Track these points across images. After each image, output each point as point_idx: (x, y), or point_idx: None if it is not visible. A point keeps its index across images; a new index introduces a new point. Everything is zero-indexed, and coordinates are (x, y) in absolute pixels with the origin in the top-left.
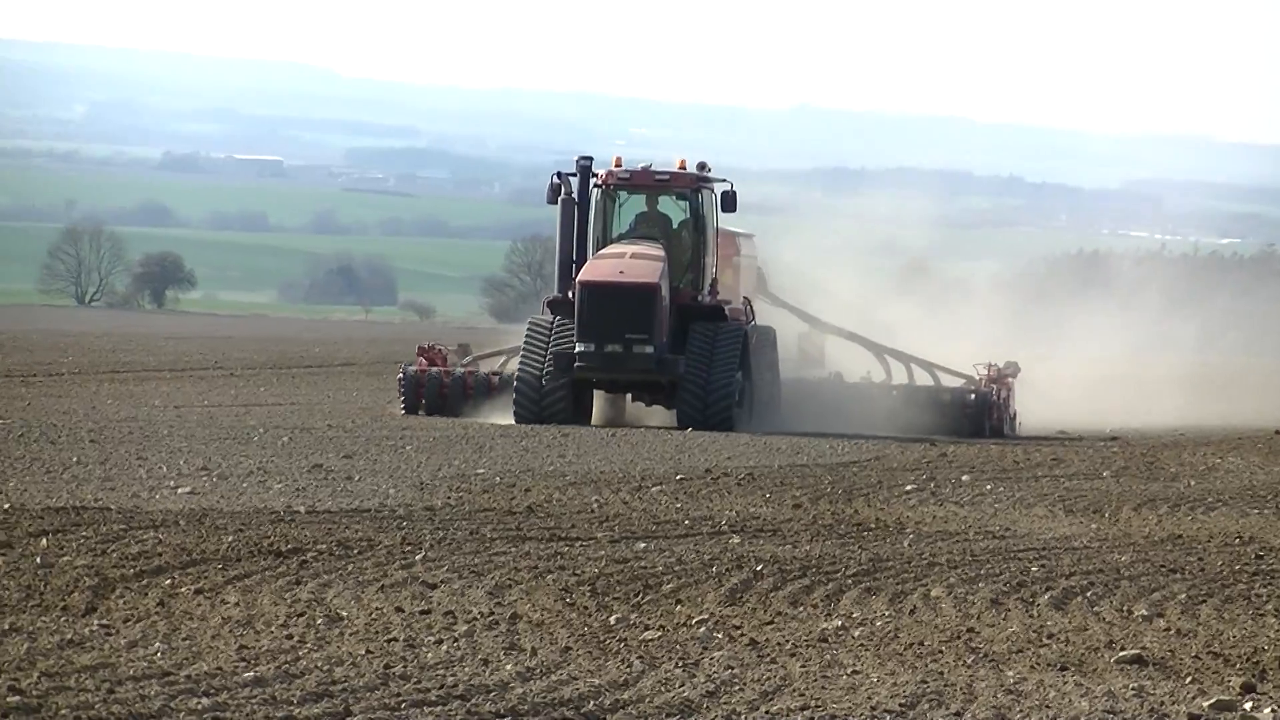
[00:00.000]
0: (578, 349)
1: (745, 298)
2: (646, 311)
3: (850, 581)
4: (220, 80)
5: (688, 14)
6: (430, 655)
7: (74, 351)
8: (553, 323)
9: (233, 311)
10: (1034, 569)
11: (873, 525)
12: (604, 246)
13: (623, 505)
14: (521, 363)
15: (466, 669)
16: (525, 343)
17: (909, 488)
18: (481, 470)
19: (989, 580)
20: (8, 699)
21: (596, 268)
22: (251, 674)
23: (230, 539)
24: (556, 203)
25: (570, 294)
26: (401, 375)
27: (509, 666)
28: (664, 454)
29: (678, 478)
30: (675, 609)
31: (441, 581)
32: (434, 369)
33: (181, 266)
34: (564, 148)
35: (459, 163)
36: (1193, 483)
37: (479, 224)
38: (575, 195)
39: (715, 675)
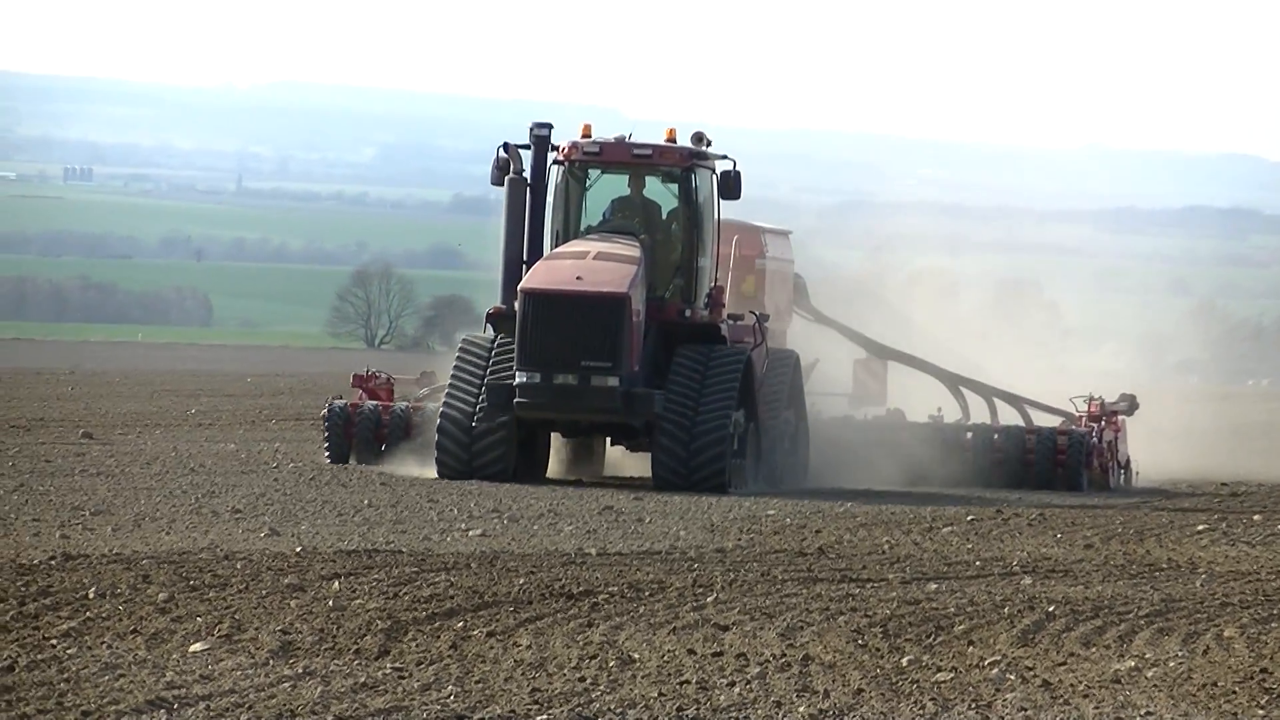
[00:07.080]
0: (518, 380)
1: (754, 313)
2: (611, 330)
3: (1143, 622)
4: (509, 123)
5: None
6: (723, 697)
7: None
8: (492, 343)
9: None
10: None
11: (1164, 565)
12: (565, 241)
13: (914, 546)
14: (447, 397)
15: (759, 711)
16: (454, 371)
17: (1200, 527)
18: (772, 511)
19: None
20: None
21: (548, 271)
22: (544, 716)
23: (522, 581)
24: (503, 184)
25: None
26: (326, 411)
27: (802, 709)
28: (954, 494)
29: (969, 518)
30: (967, 650)
31: (733, 623)
32: (369, 404)
33: (471, 309)
34: (852, 190)
35: (750, 206)
36: None
37: None
38: (529, 174)
39: (1009, 717)
